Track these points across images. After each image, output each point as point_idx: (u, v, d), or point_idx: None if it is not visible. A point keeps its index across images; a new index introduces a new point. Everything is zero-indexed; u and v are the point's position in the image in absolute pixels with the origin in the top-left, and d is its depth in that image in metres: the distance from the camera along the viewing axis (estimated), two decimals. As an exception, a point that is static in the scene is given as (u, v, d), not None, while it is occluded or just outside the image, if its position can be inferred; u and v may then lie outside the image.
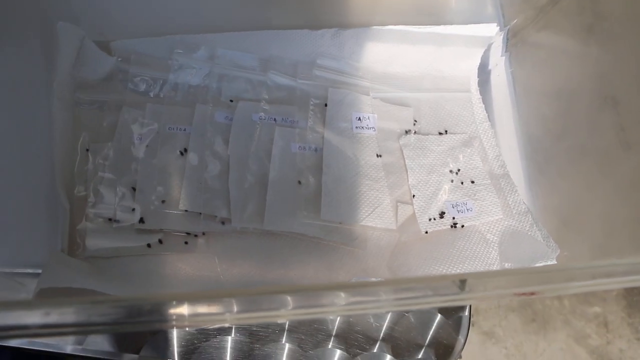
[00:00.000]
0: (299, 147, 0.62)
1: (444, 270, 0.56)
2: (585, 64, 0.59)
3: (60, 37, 0.57)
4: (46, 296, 0.46)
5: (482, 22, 0.65)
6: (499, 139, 0.67)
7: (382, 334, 0.62)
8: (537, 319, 1.09)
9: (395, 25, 0.63)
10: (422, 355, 0.63)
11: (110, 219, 0.56)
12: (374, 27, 0.63)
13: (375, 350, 0.62)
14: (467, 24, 0.65)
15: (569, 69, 0.61)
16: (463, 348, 0.64)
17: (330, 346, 0.61)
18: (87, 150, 0.58)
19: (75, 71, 0.59)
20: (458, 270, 0.57)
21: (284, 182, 0.60)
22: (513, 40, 0.66)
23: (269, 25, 0.62)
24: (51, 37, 0.57)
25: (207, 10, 0.61)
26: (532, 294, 0.32)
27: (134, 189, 0.57)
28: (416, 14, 0.64)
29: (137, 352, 0.57)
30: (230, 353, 0.59)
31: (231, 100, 0.63)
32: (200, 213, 0.58)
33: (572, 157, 0.60)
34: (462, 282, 0.30)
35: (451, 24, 0.65)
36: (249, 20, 0.62)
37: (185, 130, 0.61)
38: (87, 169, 0.58)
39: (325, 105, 0.64)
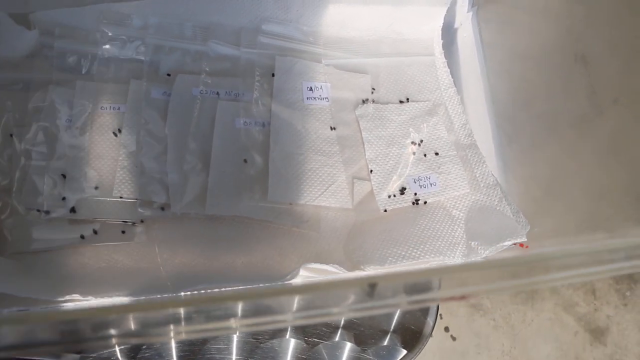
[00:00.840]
0: (244, 122, 0.57)
1: (401, 253, 0.52)
2: (555, 18, 0.54)
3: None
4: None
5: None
6: (466, 106, 0.62)
7: (342, 322, 0.58)
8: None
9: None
10: (388, 342, 0.59)
11: (38, 210, 0.52)
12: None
13: (336, 339, 0.58)
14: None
15: (538, 25, 0.56)
16: (432, 331, 0.60)
17: (287, 336, 0.57)
18: (11, 135, 0.54)
19: (-6, 50, 0.54)
20: (417, 252, 0.52)
21: (227, 161, 0.55)
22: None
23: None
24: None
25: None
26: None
27: (64, 176, 0.53)
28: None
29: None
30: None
31: (168, 74, 0.57)
32: (137, 199, 0.53)
33: (544, 125, 0.55)
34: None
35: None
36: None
37: (119, 109, 0.56)
38: (11, 155, 0.53)
39: (273, 75, 0.59)
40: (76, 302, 0.45)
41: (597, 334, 1.01)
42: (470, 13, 0.63)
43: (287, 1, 0.59)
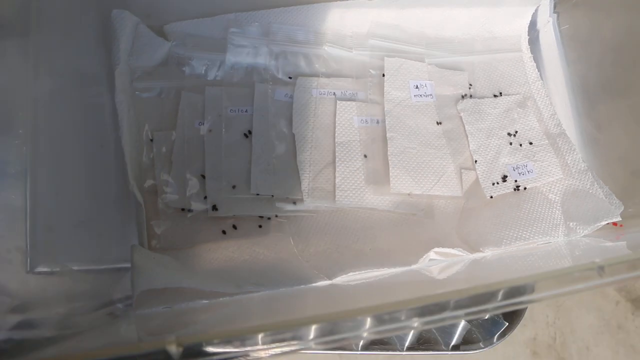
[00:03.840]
0: (361, 120, 0.61)
1: (513, 235, 0.57)
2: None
3: (114, 26, 0.55)
4: (144, 298, 0.46)
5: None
6: (553, 98, 0.67)
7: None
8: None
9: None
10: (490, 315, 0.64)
11: (183, 209, 0.56)
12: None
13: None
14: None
15: (632, 22, 0.60)
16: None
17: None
18: (152, 140, 0.57)
19: (132, 59, 0.57)
20: (527, 234, 0.58)
21: (350, 157, 0.60)
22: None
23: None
24: (104, 25, 0.56)
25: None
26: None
27: (203, 176, 0.57)
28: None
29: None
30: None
31: (290, 77, 0.62)
32: (272, 195, 0.57)
33: (637, 114, 0.60)
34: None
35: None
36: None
37: (246, 111, 0.60)
38: (153, 159, 0.57)
39: (383, 75, 0.63)
40: (234, 290, 0.50)
41: (638, 303, 1.07)
42: (553, 16, 0.68)
43: (396, 7, 0.63)
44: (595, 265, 0.32)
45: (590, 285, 0.32)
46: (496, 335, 0.63)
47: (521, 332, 0.95)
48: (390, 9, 0.63)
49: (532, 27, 0.69)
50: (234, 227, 0.57)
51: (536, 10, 0.68)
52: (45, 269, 0.52)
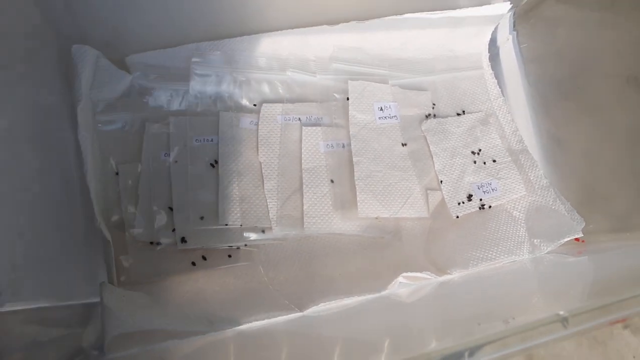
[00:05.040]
0: (327, 145, 0.62)
1: (480, 255, 0.58)
2: (605, 37, 0.60)
3: (75, 61, 0.55)
4: (116, 341, 0.46)
5: (494, 2, 0.65)
6: (514, 114, 0.68)
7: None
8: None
9: (411, 13, 0.62)
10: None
11: (151, 242, 0.56)
12: (391, 17, 0.62)
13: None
14: (480, 5, 0.64)
15: (588, 44, 0.62)
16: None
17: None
18: (117, 173, 0.57)
19: (93, 93, 0.57)
20: (493, 254, 0.59)
21: (317, 183, 0.60)
22: (525, 16, 0.66)
23: (285, 26, 0.60)
24: (64, 59, 0.55)
25: (218, 16, 0.59)
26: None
27: (170, 208, 0.57)
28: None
29: None
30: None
31: (254, 104, 0.62)
32: (240, 225, 0.57)
33: (597, 133, 0.61)
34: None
35: (464, 7, 0.64)
36: (263, 22, 0.60)
37: (212, 140, 0.60)
38: (119, 192, 0.57)
39: (347, 99, 0.63)
40: (206, 328, 0.50)
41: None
42: (513, 34, 0.69)
43: (359, 31, 0.63)
44: (559, 317, 0.33)
45: (555, 337, 0.33)
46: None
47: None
48: (352, 33, 0.63)
49: (492, 44, 0.70)
50: (204, 257, 0.57)
51: (496, 28, 0.69)
52: (10, 309, 0.51)
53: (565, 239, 0.60)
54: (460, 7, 0.64)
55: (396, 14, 0.62)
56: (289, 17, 0.61)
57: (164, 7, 0.57)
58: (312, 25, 0.61)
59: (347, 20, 0.62)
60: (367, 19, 0.62)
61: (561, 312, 0.34)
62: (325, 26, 0.61)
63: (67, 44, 0.55)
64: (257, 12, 0.59)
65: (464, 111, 0.67)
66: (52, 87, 0.54)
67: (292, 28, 0.61)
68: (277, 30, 0.61)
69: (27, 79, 0.53)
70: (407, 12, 0.62)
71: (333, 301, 0.52)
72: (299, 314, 0.52)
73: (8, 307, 0.51)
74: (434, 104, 0.67)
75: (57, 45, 0.54)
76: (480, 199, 0.63)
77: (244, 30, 0.60)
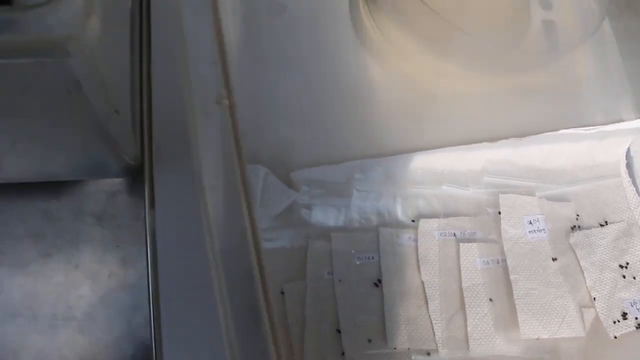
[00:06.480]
0: (484, 261, 0.60)
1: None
2: None
3: (250, 180, 0.53)
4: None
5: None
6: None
7: None
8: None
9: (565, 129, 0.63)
10: None
11: (321, 367, 0.54)
12: (547, 133, 0.63)
13: None
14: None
15: None
16: None
17: None
18: (282, 292, 0.55)
19: (260, 211, 0.56)
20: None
21: (477, 302, 0.59)
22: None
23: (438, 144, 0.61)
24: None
25: (378, 134, 0.59)
26: None
27: (338, 331, 0.55)
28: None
29: None
30: None
31: (412, 220, 0.61)
32: (408, 348, 0.56)
33: None
34: None
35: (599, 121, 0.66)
36: (419, 141, 0.61)
37: (373, 257, 0.58)
38: (284, 312, 0.55)
39: (499, 212, 0.63)
40: None
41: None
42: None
43: (508, 145, 0.63)
44: None
45: None
46: None
47: None
48: (506, 148, 0.63)
49: (627, 154, 0.70)
50: (371, 382, 0.55)
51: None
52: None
53: None
54: (594, 121, 0.65)
55: (548, 130, 0.63)
56: (449, 135, 0.61)
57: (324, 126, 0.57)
58: (466, 143, 0.62)
59: (504, 137, 0.62)
60: (517, 136, 0.62)
61: None
62: (485, 143, 0.61)
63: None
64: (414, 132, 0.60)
65: (606, 222, 0.67)
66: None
67: (451, 145, 0.61)
68: (436, 148, 0.61)
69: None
70: (561, 129, 0.63)
71: None
72: None
73: None
74: (577, 215, 0.66)
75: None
76: (636, 318, 0.62)
77: (404, 149, 0.60)
